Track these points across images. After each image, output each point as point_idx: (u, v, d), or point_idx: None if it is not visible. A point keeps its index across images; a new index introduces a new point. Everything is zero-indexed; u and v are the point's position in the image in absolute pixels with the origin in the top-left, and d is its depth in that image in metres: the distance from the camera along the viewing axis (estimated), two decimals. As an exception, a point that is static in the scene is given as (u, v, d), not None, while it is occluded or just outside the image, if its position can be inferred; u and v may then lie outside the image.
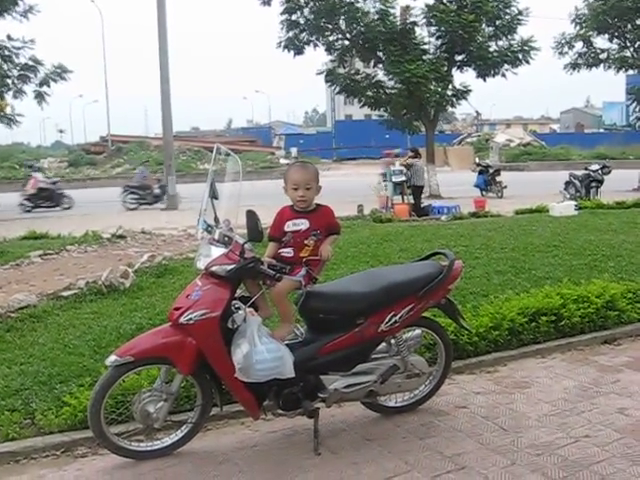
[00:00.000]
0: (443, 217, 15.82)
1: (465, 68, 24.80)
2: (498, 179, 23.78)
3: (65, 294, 7.61)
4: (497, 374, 5.59)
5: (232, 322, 4.01)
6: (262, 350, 3.96)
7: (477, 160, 27.19)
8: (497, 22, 24.03)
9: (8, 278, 9.07)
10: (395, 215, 16.04)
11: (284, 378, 4.05)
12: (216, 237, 4.13)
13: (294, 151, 44.07)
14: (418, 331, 4.75)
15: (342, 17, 23.78)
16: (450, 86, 24.70)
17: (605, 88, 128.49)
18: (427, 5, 23.98)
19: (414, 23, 24.22)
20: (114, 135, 55.36)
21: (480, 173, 24.17)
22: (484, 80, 24.76)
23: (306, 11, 23.97)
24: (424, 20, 23.98)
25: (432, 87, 23.69)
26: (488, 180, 23.80)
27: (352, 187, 23.65)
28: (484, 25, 24.10)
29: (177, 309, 4.04)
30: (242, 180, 4.18)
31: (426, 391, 4.85)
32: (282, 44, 24.61)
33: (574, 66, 29.20)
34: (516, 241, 10.14)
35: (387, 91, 24.89)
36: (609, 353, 6.10)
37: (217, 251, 4.09)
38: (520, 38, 24.42)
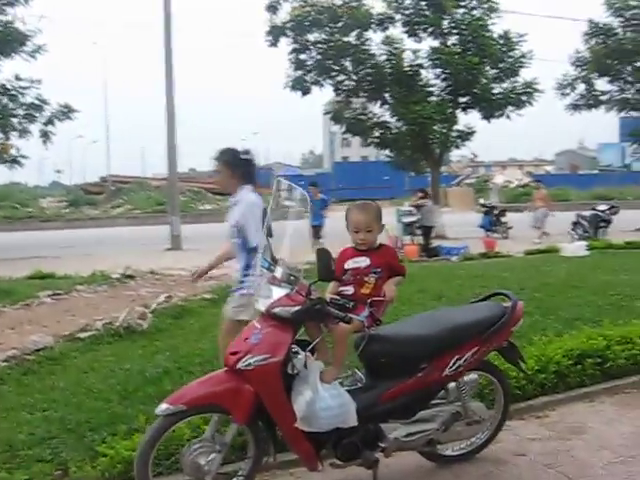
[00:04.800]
0: (454, 258, 15.78)
1: (469, 110, 24.95)
2: (503, 220, 23.64)
3: (82, 335, 7.54)
4: (547, 419, 5.36)
5: (292, 367, 3.77)
6: (325, 397, 3.74)
7: (482, 201, 27.14)
8: (501, 65, 24.21)
9: (19, 318, 8.94)
10: (405, 256, 15.90)
11: (347, 427, 3.82)
12: (279, 276, 3.90)
13: (295, 192, 44.07)
14: (474, 375, 4.52)
15: (349, 59, 23.98)
16: (454, 127, 24.79)
17: (597, 130, 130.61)
18: (432, 47, 24.21)
19: (420, 65, 24.45)
20: (113, 175, 55.25)
21: (486, 214, 24.06)
22: (488, 121, 24.92)
23: (314, 52, 24.17)
24: (429, 62, 24.17)
25: (437, 128, 23.75)
26: (493, 221, 23.67)
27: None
28: (488, 67, 24.28)
29: (234, 354, 3.79)
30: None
31: (484, 438, 4.61)
32: (290, 84, 24.72)
33: (575, 107, 29.37)
34: (533, 282, 10.05)
35: (393, 131, 25.02)
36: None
37: (278, 292, 3.85)
38: (523, 80, 24.62)
